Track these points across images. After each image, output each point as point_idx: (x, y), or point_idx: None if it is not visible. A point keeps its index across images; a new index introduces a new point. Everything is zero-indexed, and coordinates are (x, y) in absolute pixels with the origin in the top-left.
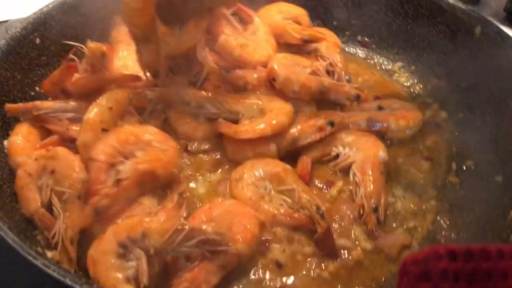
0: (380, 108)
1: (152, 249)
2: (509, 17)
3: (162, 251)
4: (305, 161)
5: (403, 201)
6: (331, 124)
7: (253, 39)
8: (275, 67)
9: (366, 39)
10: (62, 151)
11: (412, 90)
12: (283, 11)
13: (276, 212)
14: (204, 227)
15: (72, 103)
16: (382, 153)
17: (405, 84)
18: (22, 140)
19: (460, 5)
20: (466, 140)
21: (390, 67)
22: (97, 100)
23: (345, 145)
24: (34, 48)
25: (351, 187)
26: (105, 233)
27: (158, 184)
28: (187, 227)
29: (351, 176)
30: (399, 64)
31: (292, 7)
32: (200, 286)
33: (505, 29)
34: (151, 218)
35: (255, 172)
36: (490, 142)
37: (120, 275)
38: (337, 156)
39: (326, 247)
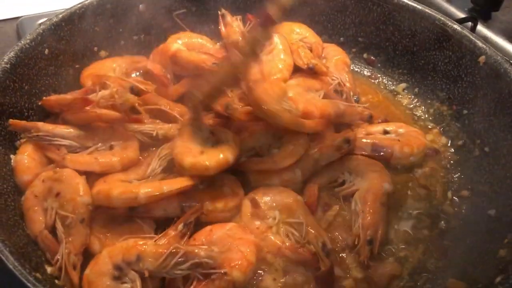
0: (385, 132)
1: (146, 272)
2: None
3: (157, 274)
4: (312, 190)
5: (396, 230)
6: (347, 141)
7: (268, 60)
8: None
9: (372, 57)
10: (68, 172)
11: (414, 112)
12: (302, 33)
13: (281, 245)
14: (197, 250)
15: (72, 131)
16: (387, 185)
17: (408, 106)
18: (28, 158)
19: (467, 32)
20: (464, 168)
21: (393, 87)
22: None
23: (352, 172)
24: (42, 58)
25: (346, 213)
26: (100, 254)
27: None
28: (181, 250)
29: (352, 204)
30: (403, 85)
31: (311, 33)
32: None
33: None
34: (146, 241)
35: (267, 199)
36: (487, 173)
37: None
38: (343, 182)
39: (326, 286)
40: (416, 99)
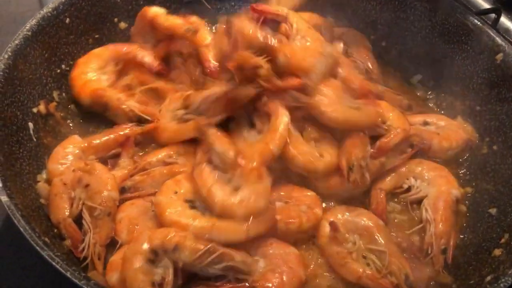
0: (425, 123)
1: (181, 263)
2: None
3: (190, 267)
4: (379, 197)
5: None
6: (411, 146)
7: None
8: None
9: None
10: (99, 167)
11: (427, 104)
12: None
13: (362, 273)
14: (233, 253)
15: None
16: (455, 191)
17: (421, 97)
18: (69, 150)
19: (487, 28)
20: (471, 164)
21: (408, 78)
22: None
23: (417, 177)
24: (63, 27)
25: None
26: (141, 234)
27: None
28: (218, 250)
29: (423, 212)
30: (418, 76)
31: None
32: None
33: None
34: (187, 234)
35: (346, 221)
36: (492, 172)
37: (146, 278)
38: (408, 188)
39: None
40: (430, 92)
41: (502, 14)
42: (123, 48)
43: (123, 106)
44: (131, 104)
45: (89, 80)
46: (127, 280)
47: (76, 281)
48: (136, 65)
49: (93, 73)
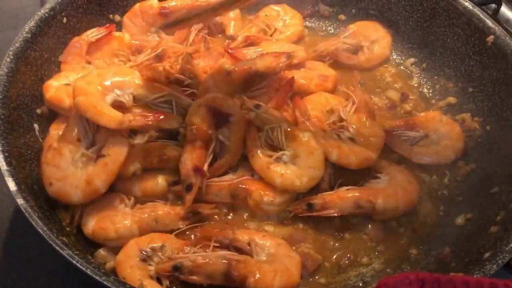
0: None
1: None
2: None
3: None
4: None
5: None
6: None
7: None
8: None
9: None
10: None
11: (420, 90)
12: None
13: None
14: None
15: None
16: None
17: (414, 85)
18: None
19: (477, 11)
20: (468, 143)
21: (402, 61)
22: None
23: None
24: (61, 27)
25: None
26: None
27: None
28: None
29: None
30: (412, 60)
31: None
32: None
33: None
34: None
35: None
36: (486, 151)
37: (143, 273)
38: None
39: None
40: (423, 74)
41: (503, 5)
42: None
43: None
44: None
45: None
46: (126, 278)
47: (97, 277)
48: None
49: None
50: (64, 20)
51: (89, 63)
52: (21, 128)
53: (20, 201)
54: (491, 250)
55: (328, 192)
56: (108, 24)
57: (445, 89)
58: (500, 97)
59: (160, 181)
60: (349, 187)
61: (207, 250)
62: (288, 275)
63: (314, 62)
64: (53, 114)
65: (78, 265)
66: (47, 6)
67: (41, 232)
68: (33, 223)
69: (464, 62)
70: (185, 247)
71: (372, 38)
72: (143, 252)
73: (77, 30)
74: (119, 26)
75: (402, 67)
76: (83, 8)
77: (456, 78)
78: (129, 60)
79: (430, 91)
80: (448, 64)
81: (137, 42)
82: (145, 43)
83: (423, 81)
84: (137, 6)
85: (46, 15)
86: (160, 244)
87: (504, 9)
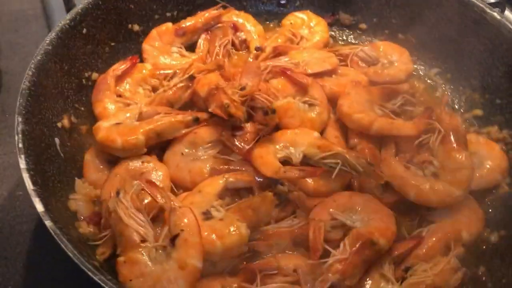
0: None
1: None
2: None
3: None
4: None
5: None
6: None
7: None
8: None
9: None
10: None
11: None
12: None
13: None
14: None
15: None
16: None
17: (438, 96)
18: None
19: (506, 21)
20: None
21: (426, 71)
22: None
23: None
24: (81, 38)
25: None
26: None
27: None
28: None
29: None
30: (435, 70)
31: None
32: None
33: None
34: None
35: None
36: None
37: None
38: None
39: None
40: (448, 86)
41: (506, 9)
42: None
43: None
44: None
45: None
46: None
47: None
48: None
49: None
50: (84, 30)
51: (119, 96)
52: (43, 143)
53: (48, 223)
54: None
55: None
56: (131, 57)
57: (471, 101)
58: None
59: None
60: None
61: (256, 285)
62: None
63: (345, 68)
64: (73, 129)
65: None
66: (68, 17)
67: (72, 255)
68: (62, 245)
69: (491, 73)
70: (242, 284)
71: (392, 58)
72: None
73: (96, 41)
74: (137, 38)
75: (426, 78)
76: (102, 18)
77: (482, 89)
78: (157, 88)
79: (456, 101)
80: (474, 75)
81: (164, 72)
82: (172, 66)
83: (448, 92)
84: (154, 31)
85: (67, 26)
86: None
87: (507, 13)
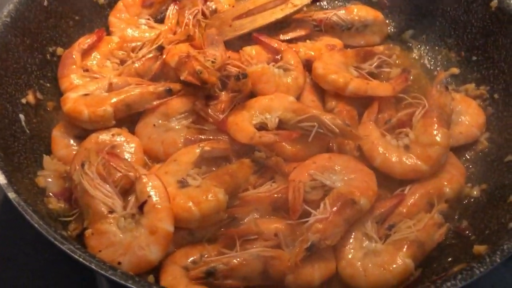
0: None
1: None
2: None
3: None
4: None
5: None
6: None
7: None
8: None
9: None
10: None
11: (422, 62)
12: None
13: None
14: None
15: None
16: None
17: (415, 57)
18: None
19: None
20: None
21: (401, 33)
22: None
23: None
24: (42, 10)
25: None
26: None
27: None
28: None
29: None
30: (410, 31)
31: None
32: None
33: None
34: None
35: None
36: (496, 120)
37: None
38: None
39: None
40: (423, 46)
41: None
42: None
43: None
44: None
45: None
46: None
47: (103, 272)
48: None
49: None
50: (45, 3)
51: (86, 70)
52: (6, 119)
53: (11, 195)
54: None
55: None
56: (97, 30)
57: (447, 60)
58: (506, 63)
59: None
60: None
61: (236, 251)
62: (326, 265)
63: (320, 33)
64: (39, 105)
65: (81, 259)
66: None
67: (37, 226)
68: (27, 216)
69: (466, 30)
70: (222, 249)
71: (367, 22)
72: (187, 268)
73: (59, 14)
74: (103, 12)
75: (401, 40)
76: None
77: (458, 48)
78: (125, 61)
79: (432, 62)
80: (449, 33)
81: (132, 44)
82: (140, 38)
83: (423, 53)
84: (120, 3)
85: None
86: (199, 255)
87: None
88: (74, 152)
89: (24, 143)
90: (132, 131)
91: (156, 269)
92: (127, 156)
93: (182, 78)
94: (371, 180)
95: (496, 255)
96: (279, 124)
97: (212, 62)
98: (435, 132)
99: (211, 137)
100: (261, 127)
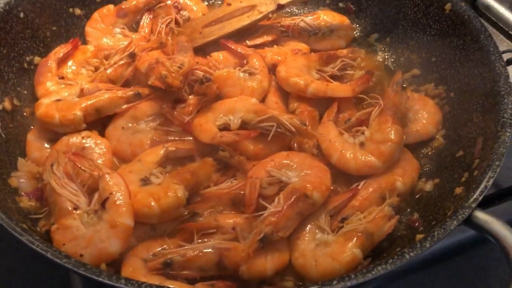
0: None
1: None
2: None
3: None
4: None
5: None
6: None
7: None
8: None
9: (351, 5)
10: None
11: (386, 64)
12: None
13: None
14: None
15: None
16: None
17: (379, 59)
18: None
19: None
20: None
21: (366, 37)
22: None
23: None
24: (18, 22)
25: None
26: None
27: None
28: None
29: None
30: (375, 35)
31: None
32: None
33: None
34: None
35: None
36: (452, 117)
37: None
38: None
39: None
40: (387, 49)
41: None
42: None
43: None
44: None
45: None
46: None
47: (58, 260)
48: None
49: None
50: (21, 15)
51: (62, 78)
52: None
53: None
54: (454, 208)
55: None
56: (72, 39)
57: (409, 61)
58: (460, 63)
59: None
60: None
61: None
62: (279, 256)
63: (284, 39)
64: (15, 111)
65: (39, 249)
66: (1, 0)
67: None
68: None
69: (425, 32)
70: (181, 243)
71: (333, 27)
72: (147, 261)
73: (36, 25)
74: (79, 22)
75: (366, 44)
76: (40, 2)
77: (419, 49)
78: (98, 68)
79: (395, 64)
80: (411, 36)
81: (106, 52)
82: (114, 47)
83: (387, 55)
84: (96, 14)
85: (1, 9)
86: (159, 249)
87: None
88: (47, 155)
89: None
90: (103, 134)
91: (119, 263)
92: (96, 157)
93: (149, 82)
94: (325, 176)
95: (426, 241)
96: (242, 125)
97: (179, 67)
98: (388, 130)
99: (177, 138)
100: (225, 128)
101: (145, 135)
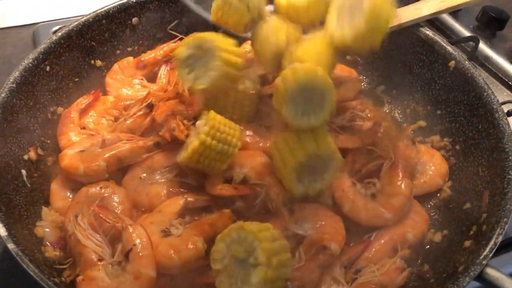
0: None
1: None
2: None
3: None
4: None
5: None
6: None
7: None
8: None
9: (356, 57)
10: None
11: (392, 115)
12: None
13: None
14: None
15: None
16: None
17: (386, 111)
18: None
19: (438, 38)
20: None
21: (373, 89)
22: None
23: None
24: (44, 75)
25: None
26: None
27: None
28: None
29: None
30: (382, 87)
31: None
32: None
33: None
34: None
35: None
36: (457, 170)
37: None
38: None
39: None
40: (393, 100)
41: (481, 42)
42: None
43: None
44: None
45: None
46: None
47: None
48: None
49: None
50: (48, 68)
51: (83, 128)
52: (9, 175)
53: (10, 245)
54: (465, 263)
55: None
56: (93, 91)
57: (415, 113)
58: (465, 117)
59: None
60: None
61: None
62: None
63: None
64: (40, 160)
65: None
66: (31, 56)
67: (33, 274)
68: (24, 265)
69: (430, 86)
70: None
71: (341, 79)
72: None
73: (60, 77)
74: (100, 73)
75: (373, 96)
76: (65, 56)
77: (424, 102)
78: (119, 118)
79: (401, 116)
80: (416, 89)
81: (126, 103)
82: (133, 97)
83: (393, 107)
84: (116, 65)
85: (30, 64)
86: None
87: (483, 46)
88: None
89: (25, 196)
90: (119, 182)
91: None
92: (114, 207)
93: (160, 134)
94: (339, 226)
95: None
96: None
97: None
98: (399, 183)
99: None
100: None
101: (161, 186)
